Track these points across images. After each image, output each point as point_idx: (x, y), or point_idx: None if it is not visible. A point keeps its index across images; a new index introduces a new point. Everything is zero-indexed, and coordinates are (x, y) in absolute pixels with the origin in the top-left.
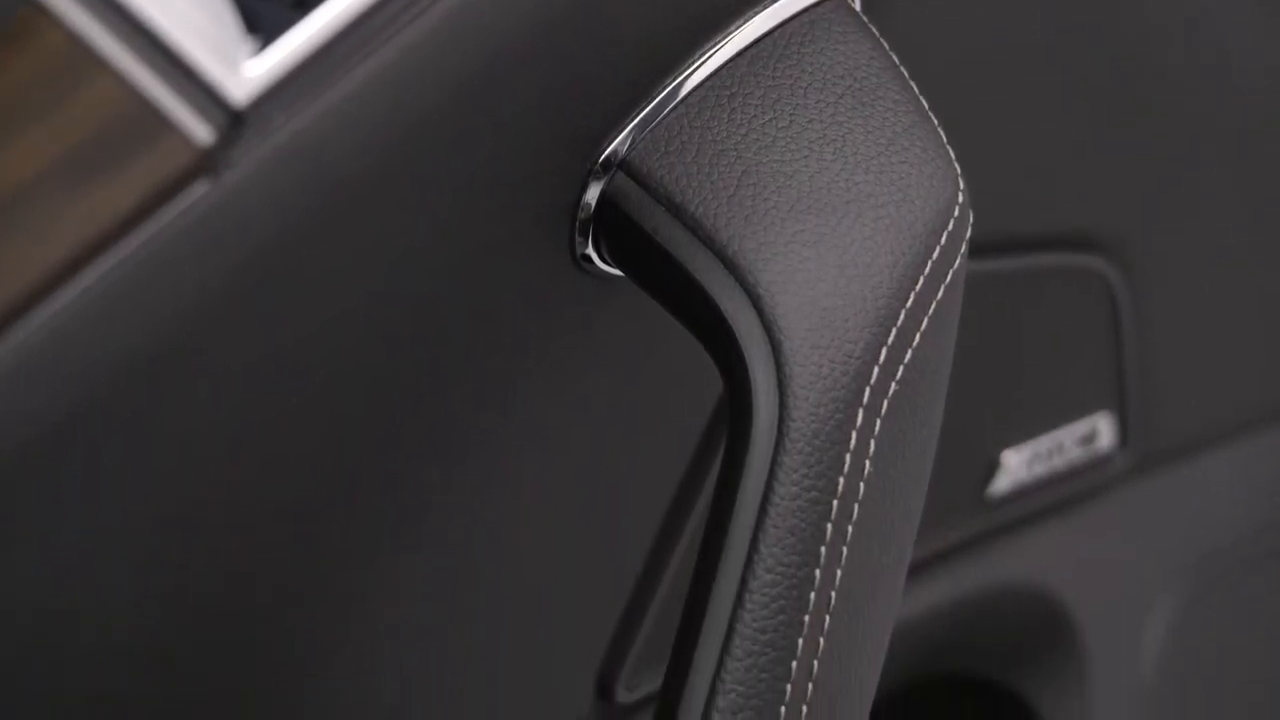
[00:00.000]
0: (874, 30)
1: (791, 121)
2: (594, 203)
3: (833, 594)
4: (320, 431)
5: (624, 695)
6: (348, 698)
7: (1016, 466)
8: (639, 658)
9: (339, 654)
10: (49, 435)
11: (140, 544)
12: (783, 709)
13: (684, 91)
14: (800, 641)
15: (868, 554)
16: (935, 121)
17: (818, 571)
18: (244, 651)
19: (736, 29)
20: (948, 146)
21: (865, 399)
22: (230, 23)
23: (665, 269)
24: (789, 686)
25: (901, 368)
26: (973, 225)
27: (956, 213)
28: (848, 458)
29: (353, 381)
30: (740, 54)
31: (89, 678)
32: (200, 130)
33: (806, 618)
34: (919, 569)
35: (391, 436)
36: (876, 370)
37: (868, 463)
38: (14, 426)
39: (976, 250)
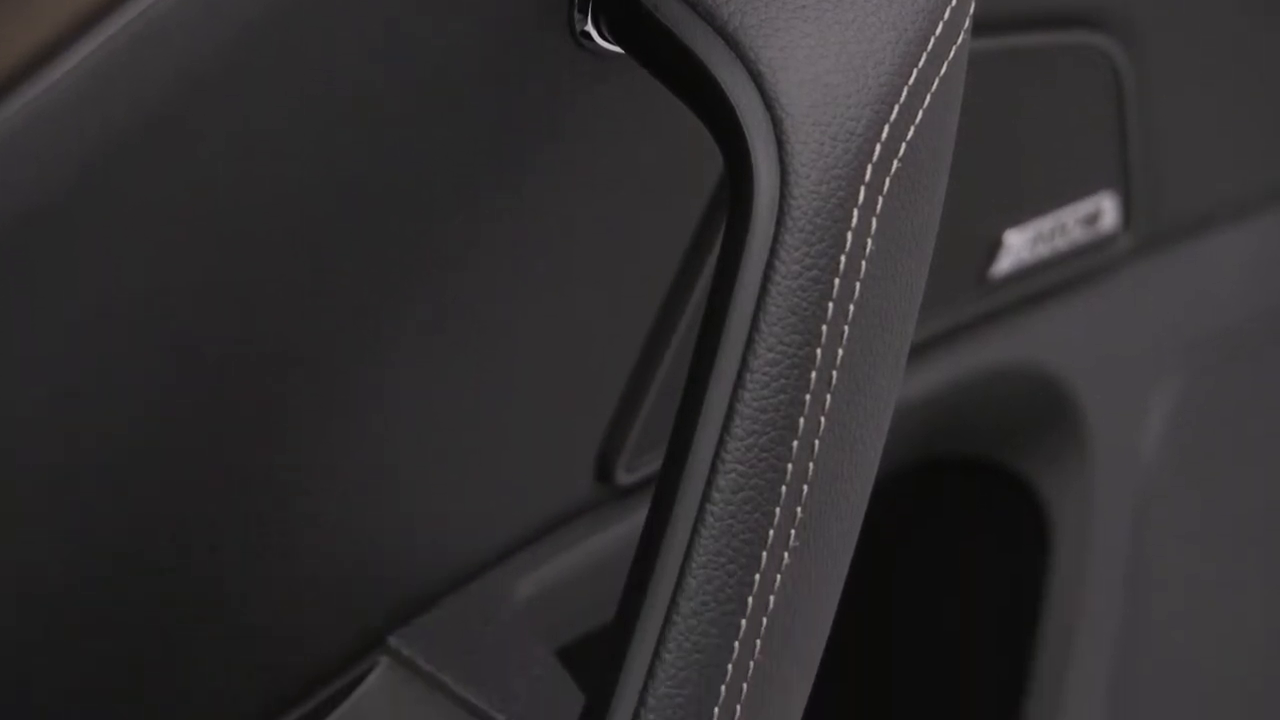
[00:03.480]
0: None
1: None
2: None
3: (834, 373)
4: (320, 204)
5: (624, 477)
6: (347, 478)
7: (1019, 246)
8: (639, 440)
9: (338, 434)
10: (42, 212)
11: (136, 319)
12: (783, 488)
13: None
14: (801, 421)
15: (869, 333)
16: None
17: (819, 351)
18: (244, 423)
19: None
20: None
21: (867, 176)
22: None
23: (665, 46)
24: (790, 465)
25: (904, 145)
26: (976, 2)
27: None
28: (849, 236)
29: (349, 158)
30: None
31: (87, 455)
32: None
33: (808, 397)
34: (920, 350)
35: (389, 212)
36: (879, 148)
37: (869, 241)
38: (7, 204)
39: (979, 28)
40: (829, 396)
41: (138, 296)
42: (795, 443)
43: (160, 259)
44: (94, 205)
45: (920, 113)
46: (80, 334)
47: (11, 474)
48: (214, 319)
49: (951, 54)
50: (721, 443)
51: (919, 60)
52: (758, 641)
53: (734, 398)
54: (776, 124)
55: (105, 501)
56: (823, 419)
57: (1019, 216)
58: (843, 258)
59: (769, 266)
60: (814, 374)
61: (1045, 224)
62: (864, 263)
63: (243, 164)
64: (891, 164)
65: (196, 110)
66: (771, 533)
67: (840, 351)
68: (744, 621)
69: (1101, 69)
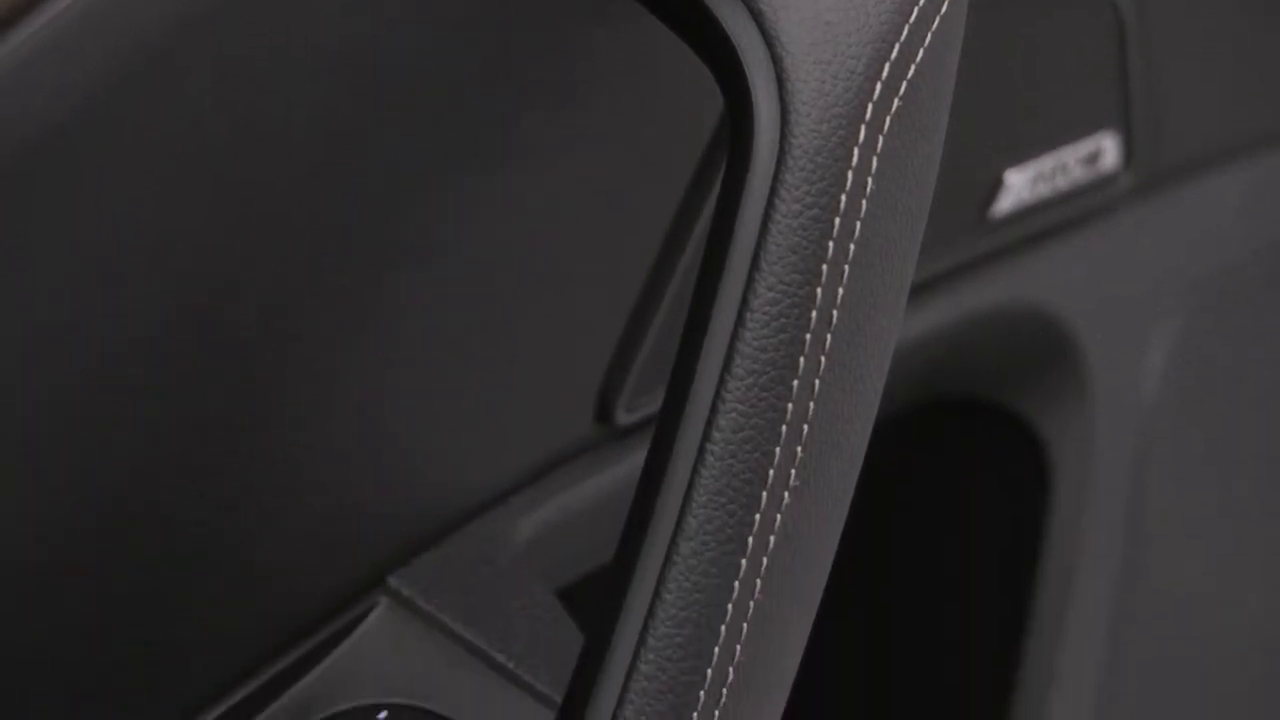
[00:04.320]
0: None
1: None
2: None
3: (835, 313)
4: (312, 143)
5: (624, 417)
6: (346, 419)
7: (1019, 186)
8: (639, 380)
9: (338, 375)
10: (47, 143)
11: (138, 252)
12: (784, 428)
13: None
14: (802, 360)
15: (870, 272)
16: None
17: (819, 290)
18: (243, 364)
19: None
20: None
21: (868, 115)
22: None
23: None
24: (791, 405)
25: (905, 84)
26: None
27: None
28: (850, 174)
29: (341, 99)
30: None
31: (87, 391)
32: None
33: (808, 336)
34: (920, 290)
35: (384, 152)
36: (879, 86)
37: (870, 180)
38: (12, 135)
39: None
40: (829, 336)
41: (140, 229)
42: (796, 382)
43: (161, 191)
44: (96, 137)
45: (921, 51)
46: (82, 268)
47: (13, 409)
48: (214, 255)
49: None
50: (722, 382)
51: None
52: (758, 581)
53: (734, 337)
54: (777, 62)
55: (105, 440)
56: (823, 358)
57: (1019, 156)
58: (843, 196)
59: (769, 205)
60: (814, 313)
61: (1046, 163)
62: (864, 201)
63: (233, 101)
64: (892, 102)
65: (190, 44)
66: (772, 472)
67: (841, 291)
68: (744, 561)
69: (1103, 7)
